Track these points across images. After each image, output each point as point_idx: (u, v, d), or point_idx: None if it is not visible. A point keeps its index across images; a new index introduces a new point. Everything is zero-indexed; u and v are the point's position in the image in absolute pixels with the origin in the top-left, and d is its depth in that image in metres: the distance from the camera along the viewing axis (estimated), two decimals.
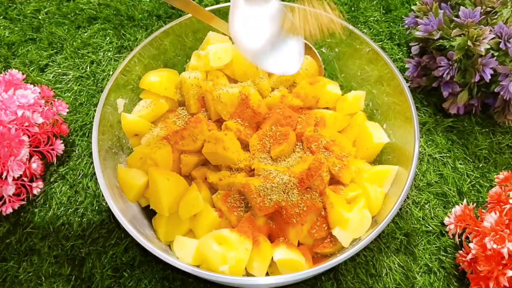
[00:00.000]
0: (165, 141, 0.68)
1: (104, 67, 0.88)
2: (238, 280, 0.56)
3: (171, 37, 0.76)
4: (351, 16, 0.95)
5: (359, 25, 0.94)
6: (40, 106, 0.72)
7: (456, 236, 0.68)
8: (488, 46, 0.72)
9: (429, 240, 0.71)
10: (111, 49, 0.90)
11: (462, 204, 0.69)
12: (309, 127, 0.70)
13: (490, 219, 0.61)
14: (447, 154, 0.79)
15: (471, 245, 0.62)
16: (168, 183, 0.62)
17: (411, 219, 0.72)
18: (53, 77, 0.86)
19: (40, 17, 0.93)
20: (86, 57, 0.89)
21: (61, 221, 0.72)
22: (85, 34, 0.92)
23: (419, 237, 0.71)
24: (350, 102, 0.75)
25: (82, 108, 0.83)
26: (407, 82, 0.78)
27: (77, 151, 0.78)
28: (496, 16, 0.76)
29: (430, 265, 0.69)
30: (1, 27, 0.92)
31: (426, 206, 0.74)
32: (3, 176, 0.65)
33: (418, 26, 0.80)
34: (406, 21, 0.87)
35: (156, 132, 0.70)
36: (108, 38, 0.91)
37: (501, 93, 0.74)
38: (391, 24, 0.94)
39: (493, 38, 0.73)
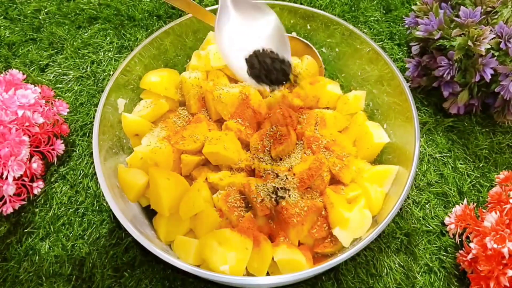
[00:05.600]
0: (166, 141, 0.68)
1: (105, 67, 0.88)
2: (239, 280, 0.56)
3: (171, 37, 0.76)
4: (351, 16, 0.95)
5: (359, 25, 0.94)
6: (41, 106, 0.72)
7: (457, 236, 0.68)
8: (489, 46, 0.72)
9: (430, 240, 0.71)
10: (111, 49, 0.90)
11: (462, 204, 0.69)
12: (309, 127, 0.70)
13: (490, 218, 0.61)
14: (448, 154, 0.79)
15: (471, 245, 0.62)
16: (168, 183, 0.62)
17: (411, 219, 0.72)
18: (53, 77, 0.86)
19: (40, 17, 0.93)
20: (87, 57, 0.89)
21: (61, 221, 0.72)
22: (86, 34, 0.92)
23: (420, 237, 0.71)
24: (350, 102, 0.75)
25: (82, 108, 0.83)
26: (407, 82, 0.78)
27: (77, 151, 0.78)
28: (496, 16, 0.76)
29: (431, 264, 0.69)
30: (2, 27, 0.92)
31: (427, 206, 0.74)
32: (4, 176, 0.65)
33: (419, 26, 0.80)
34: (407, 21, 0.87)
35: (157, 132, 0.70)
36: (108, 38, 0.91)
37: (501, 93, 0.74)
38: (392, 24, 0.94)
39: (494, 38, 0.73)
